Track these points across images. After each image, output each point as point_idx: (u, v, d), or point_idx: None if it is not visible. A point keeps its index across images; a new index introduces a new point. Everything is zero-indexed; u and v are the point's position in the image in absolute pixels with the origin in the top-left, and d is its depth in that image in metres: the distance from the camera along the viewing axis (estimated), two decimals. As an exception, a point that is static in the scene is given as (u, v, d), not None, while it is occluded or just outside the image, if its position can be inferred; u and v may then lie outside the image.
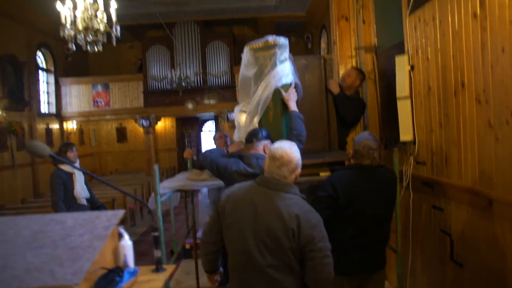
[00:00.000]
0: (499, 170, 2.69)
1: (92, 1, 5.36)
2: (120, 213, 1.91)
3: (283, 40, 3.64)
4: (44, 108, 13.35)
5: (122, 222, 9.03)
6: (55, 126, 13.61)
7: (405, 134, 3.99)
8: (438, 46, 3.40)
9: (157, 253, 2.26)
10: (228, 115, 13.70)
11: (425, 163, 3.77)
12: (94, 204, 5.48)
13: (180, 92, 12.96)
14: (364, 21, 5.20)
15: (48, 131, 13.11)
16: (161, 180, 3.67)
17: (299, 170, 2.44)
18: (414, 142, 3.94)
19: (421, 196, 3.88)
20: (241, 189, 2.50)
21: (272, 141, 3.11)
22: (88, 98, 14.12)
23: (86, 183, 5.44)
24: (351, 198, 2.95)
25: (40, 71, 13.24)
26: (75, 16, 5.34)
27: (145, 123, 14.15)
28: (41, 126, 12.68)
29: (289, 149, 2.42)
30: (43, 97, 13.37)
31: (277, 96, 3.55)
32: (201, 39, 14.08)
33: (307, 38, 14.05)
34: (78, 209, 5.08)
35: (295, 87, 3.60)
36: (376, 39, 5.08)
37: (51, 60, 13.76)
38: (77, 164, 5.21)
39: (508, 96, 2.55)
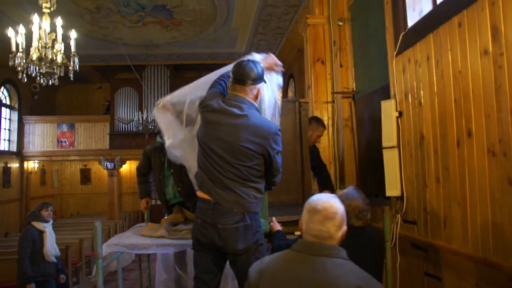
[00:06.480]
0: (525, 239, 2.06)
1: (48, 30, 4.65)
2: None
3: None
4: (3, 146, 12.25)
5: (76, 272, 7.96)
6: (14, 165, 12.49)
7: (392, 188, 3.38)
8: (434, 89, 2.83)
9: None
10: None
11: (415, 222, 3.13)
12: (58, 264, 5.49)
13: (146, 135, 12.20)
14: (341, 65, 4.68)
15: (6, 169, 11.96)
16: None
17: (345, 227, 1.80)
18: (401, 198, 3.32)
19: (410, 260, 3.21)
20: (277, 261, 1.81)
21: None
22: (52, 137, 13.15)
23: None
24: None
25: (2, 108, 12.22)
26: (29, 45, 4.60)
27: (109, 165, 13.22)
28: (-2, 164, 11.58)
29: (332, 199, 1.80)
30: (3, 135, 12.30)
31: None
32: (170, 83, 13.52)
33: (275, 87, 13.64)
34: (45, 266, 5.15)
35: None
36: (354, 84, 4.54)
37: (16, 97, 12.81)
38: (50, 223, 5.32)
39: (539, 148, 1.95)
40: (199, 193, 2.49)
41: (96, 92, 15.16)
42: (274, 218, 2.96)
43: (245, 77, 2.44)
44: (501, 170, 2.20)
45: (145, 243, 3.09)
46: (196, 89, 2.96)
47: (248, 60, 2.51)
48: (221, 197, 2.36)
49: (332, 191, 4.41)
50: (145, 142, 12.92)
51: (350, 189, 2.62)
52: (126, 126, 13.35)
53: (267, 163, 2.44)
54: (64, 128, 13.20)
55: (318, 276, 1.66)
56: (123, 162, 13.63)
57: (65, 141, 13.17)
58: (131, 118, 13.24)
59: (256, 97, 2.53)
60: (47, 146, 13.13)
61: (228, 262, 2.59)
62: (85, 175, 15.65)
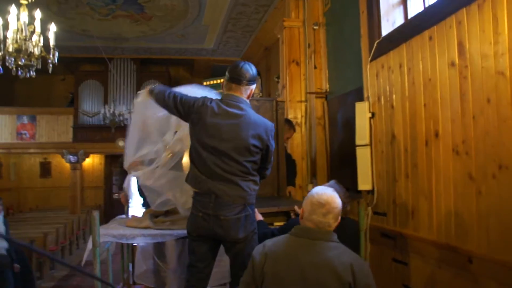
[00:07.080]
0: (482, 225, 2.42)
1: (27, 22, 4.67)
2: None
3: None
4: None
5: (39, 266, 7.90)
6: (-31, 157, 12.10)
7: (364, 183, 3.70)
8: (406, 94, 3.17)
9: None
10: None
11: (385, 214, 3.47)
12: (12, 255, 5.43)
13: (113, 129, 12.07)
14: (315, 66, 4.99)
15: (-40, 162, 11.58)
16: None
17: (340, 218, 2.10)
18: (372, 191, 3.65)
19: (380, 248, 3.55)
20: (279, 245, 2.06)
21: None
22: (12, 129, 12.76)
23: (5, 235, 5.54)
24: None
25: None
26: (5, 36, 4.61)
27: (72, 159, 12.98)
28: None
29: (334, 194, 2.10)
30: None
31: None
32: (137, 77, 13.40)
33: (241, 83, 13.86)
34: None
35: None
36: (328, 85, 4.85)
37: (-28, 87, 12.40)
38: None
39: (495, 148, 2.31)
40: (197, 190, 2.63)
41: (59, 83, 14.76)
42: (256, 209, 3.21)
43: (241, 77, 2.63)
44: (463, 167, 2.56)
45: (133, 233, 3.21)
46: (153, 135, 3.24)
47: (245, 62, 2.71)
48: (222, 191, 2.52)
49: (294, 186, 4.78)
50: (111, 136, 12.87)
51: (332, 183, 2.91)
52: (91, 119, 13.15)
53: (264, 156, 2.67)
54: (25, 120, 12.83)
55: (316, 258, 1.95)
56: (86, 155, 13.40)
57: (25, 133, 12.81)
58: (96, 111, 13.04)
59: (248, 97, 2.74)
60: (5, 138, 12.69)
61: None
62: (45, 168, 15.28)
